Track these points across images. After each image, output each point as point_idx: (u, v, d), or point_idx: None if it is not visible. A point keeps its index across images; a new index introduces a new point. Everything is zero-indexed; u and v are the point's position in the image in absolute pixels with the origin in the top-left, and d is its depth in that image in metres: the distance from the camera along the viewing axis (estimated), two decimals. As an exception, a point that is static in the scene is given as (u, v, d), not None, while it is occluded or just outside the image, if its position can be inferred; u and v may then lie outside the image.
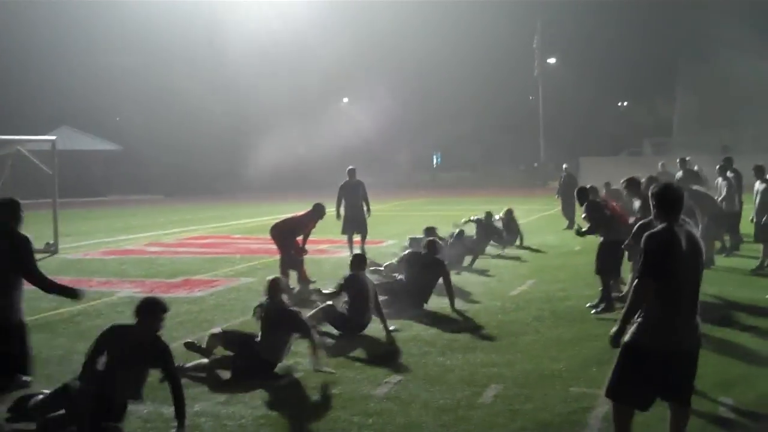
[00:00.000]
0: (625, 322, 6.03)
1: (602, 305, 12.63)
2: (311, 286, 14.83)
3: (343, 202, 19.50)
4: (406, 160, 65.55)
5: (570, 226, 24.81)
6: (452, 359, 9.97)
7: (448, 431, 7.38)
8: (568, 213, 26.15)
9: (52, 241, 21.50)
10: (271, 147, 58.30)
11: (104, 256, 20.85)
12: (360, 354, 10.25)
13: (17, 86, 52.02)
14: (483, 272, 16.89)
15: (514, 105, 67.59)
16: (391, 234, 24.33)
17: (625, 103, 77.93)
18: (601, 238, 13.05)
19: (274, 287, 9.69)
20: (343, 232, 19.60)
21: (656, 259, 5.97)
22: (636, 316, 6.06)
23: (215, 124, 55.77)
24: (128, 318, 12.15)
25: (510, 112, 66.67)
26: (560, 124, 63.71)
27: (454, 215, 25.30)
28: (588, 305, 12.79)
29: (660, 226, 6.14)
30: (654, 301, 5.98)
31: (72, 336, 11.44)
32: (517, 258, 19.23)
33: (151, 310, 7.71)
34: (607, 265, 12.87)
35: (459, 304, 13.31)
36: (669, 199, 6.22)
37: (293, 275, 15.17)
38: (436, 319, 12.27)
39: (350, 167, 20.29)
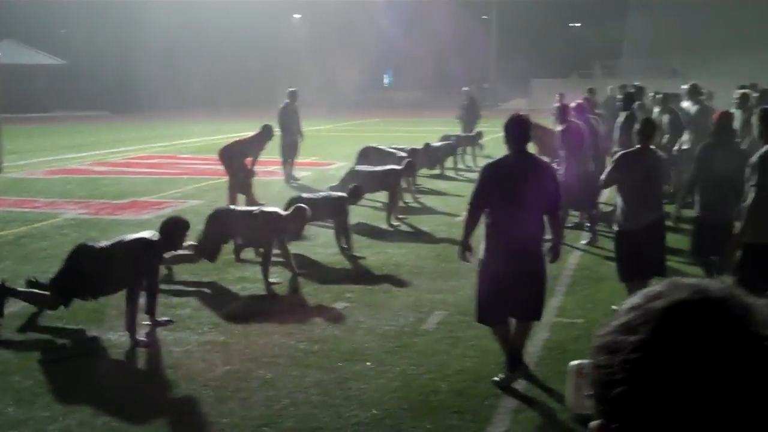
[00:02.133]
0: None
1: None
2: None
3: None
4: (355, 77, 64.96)
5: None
6: (397, 285, 10.12)
7: (391, 357, 7.53)
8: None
9: (-6, 159, 21.14)
10: (217, 62, 57.44)
11: (49, 175, 20.57)
12: (304, 281, 10.34)
13: (-44, -4, 50.52)
14: (428, 194, 17.02)
15: (467, 23, 67.12)
16: (341, 156, 24.28)
17: (577, 25, 77.75)
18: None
19: None
20: (286, 156, 19.31)
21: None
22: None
23: (162, 37, 54.66)
24: (73, 240, 12.22)
25: (462, 32, 66.22)
26: (511, 45, 63.50)
27: (406, 137, 25.31)
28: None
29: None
30: None
31: (17, 259, 11.38)
32: (464, 181, 19.33)
33: (179, 230, 8.24)
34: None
35: (404, 227, 13.47)
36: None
37: (241, 198, 15.17)
38: (383, 244, 12.38)
39: (291, 89, 20.08)
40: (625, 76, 38.93)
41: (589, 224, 12.82)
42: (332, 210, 11.60)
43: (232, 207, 10.56)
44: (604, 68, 57.29)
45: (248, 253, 11.05)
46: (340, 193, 12.15)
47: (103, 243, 8.45)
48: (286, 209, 10.49)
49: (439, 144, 20.40)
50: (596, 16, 69.79)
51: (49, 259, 11.25)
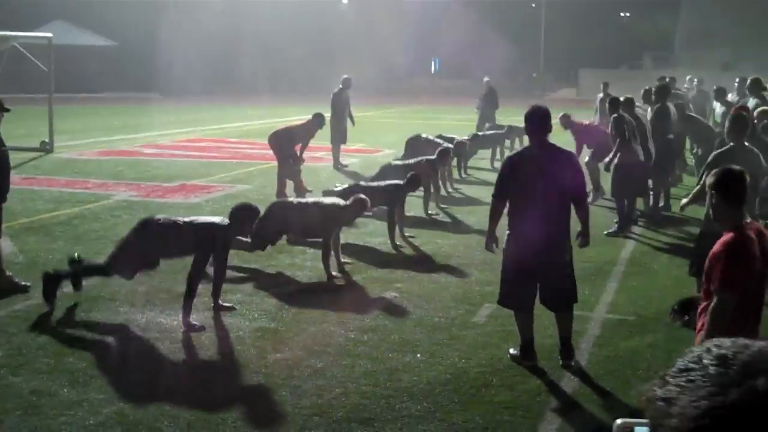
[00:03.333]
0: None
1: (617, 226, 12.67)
2: (307, 195, 14.90)
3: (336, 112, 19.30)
4: (404, 64, 64.77)
5: None
6: (446, 276, 10.09)
7: (442, 349, 7.50)
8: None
9: (47, 140, 21.38)
10: (265, 46, 57.56)
11: (100, 156, 20.77)
12: (354, 270, 10.34)
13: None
14: (475, 184, 16.95)
15: (515, 12, 66.60)
16: (388, 143, 24.24)
17: (626, 14, 76.82)
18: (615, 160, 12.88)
19: None
20: (338, 142, 19.41)
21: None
22: None
23: (211, 21, 54.92)
24: (124, 222, 12.35)
25: (510, 20, 65.74)
26: (559, 34, 62.91)
27: (455, 126, 25.22)
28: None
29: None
30: None
31: (69, 239, 11.51)
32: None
33: (250, 216, 8.38)
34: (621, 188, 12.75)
35: (454, 218, 13.44)
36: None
37: (290, 185, 15.21)
38: (431, 234, 12.35)
39: (345, 76, 20.09)
40: (676, 69, 38.42)
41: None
42: (389, 198, 11.59)
43: (290, 200, 10.50)
44: (655, 60, 56.59)
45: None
46: (397, 181, 12.10)
47: (176, 218, 8.54)
48: (342, 197, 10.49)
49: (488, 133, 20.31)
50: (648, 7, 68.86)
51: (101, 241, 11.40)
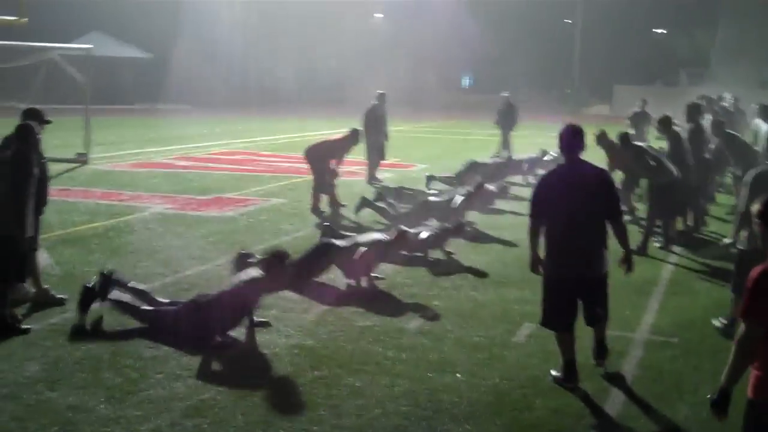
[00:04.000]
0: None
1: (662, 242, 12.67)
2: (341, 210, 14.88)
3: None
4: (434, 80, 64.73)
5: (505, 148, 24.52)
6: (484, 294, 9.95)
7: (482, 370, 7.36)
8: (506, 143, 25.28)
9: (83, 151, 21.48)
10: (298, 59, 57.73)
11: (134, 168, 20.84)
12: (391, 286, 10.22)
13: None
14: (512, 200, 16.79)
15: (549, 28, 66.33)
16: (422, 157, 24.13)
17: (661, 31, 76.31)
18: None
19: None
20: (375, 158, 19.34)
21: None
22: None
23: (246, 33, 55.22)
24: (159, 235, 12.33)
25: (544, 35, 65.49)
26: (593, 50, 62.57)
27: (484, 141, 25.08)
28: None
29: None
30: None
31: (105, 252, 11.49)
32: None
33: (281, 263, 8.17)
34: (658, 208, 12.64)
35: (490, 235, 13.31)
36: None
37: (324, 199, 15.17)
38: (466, 250, 12.21)
39: (380, 91, 20.01)
40: (712, 86, 38.03)
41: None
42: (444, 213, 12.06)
43: (335, 243, 10.30)
44: (690, 76, 56.12)
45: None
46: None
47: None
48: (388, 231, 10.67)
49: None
50: (682, 23, 68.32)
51: (136, 254, 11.39)
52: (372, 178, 19.01)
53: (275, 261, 8.16)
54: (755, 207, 4.50)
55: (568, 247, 6.92)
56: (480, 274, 10.89)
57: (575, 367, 7.10)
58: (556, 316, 7.12)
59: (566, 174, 7.07)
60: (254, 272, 8.10)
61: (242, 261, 9.27)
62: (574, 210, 6.88)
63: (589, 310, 7.13)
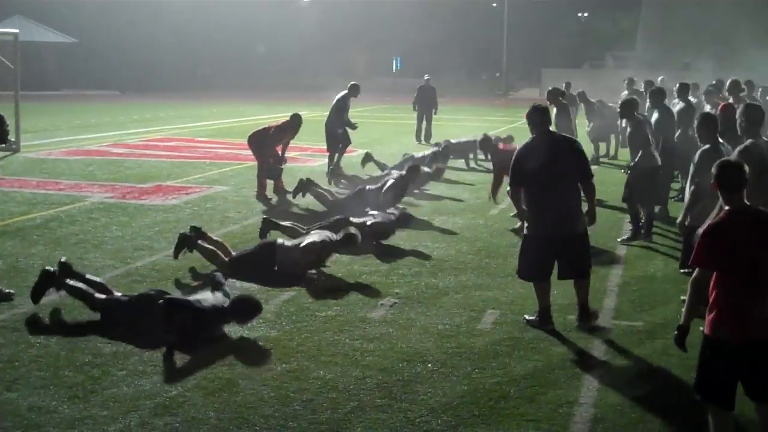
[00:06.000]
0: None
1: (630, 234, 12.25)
2: (287, 197, 14.69)
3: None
4: (365, 63, 64.64)
5: (417, 138, 25.21)
6: (443, 281, 9.85)
7: (453, 359, 7.26)
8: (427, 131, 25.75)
9: (13, 139, 20.78)
10: (226, 45, 57.02)
11: (68, 156, 20.26)
12: (349, 275, 10.07)
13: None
14: (456, 187, 16.76)
15: (478, 13, 66.63)
16: (357, 143, 23.92)
17: (586, 14, 77.23)
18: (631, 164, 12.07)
19: None
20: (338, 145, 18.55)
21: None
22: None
23: (173, 17, 54.28)
24: (104, 225, 11.97)
25: (472, 20, 65.76)
26: (521, 34, 63.04)
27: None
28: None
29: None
30: None
31: (48, 244, 11.10)
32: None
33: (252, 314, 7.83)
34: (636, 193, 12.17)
35: (440, 221, 13.22)
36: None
37: (270, 184, 14.96)
38: (419, 238, 12.09)
39: (353, 83, 18.95)
40: (638, 68, 38.58)
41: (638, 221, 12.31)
42: None
43: (279, 242, 10.02)
44: (616, 59, 56.96)
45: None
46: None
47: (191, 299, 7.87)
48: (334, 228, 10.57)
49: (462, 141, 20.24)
50: (606, 5, 69.24)
51: (81, 245, 11.04)
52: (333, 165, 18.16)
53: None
54: (713, 169, 5.17)
55: (550, 207, 7.88)
56: (436, 261, 10.78)
57: (549, 312, 8.11)
58: (538, 269, 8.10)
59: (542, 144, 8.01)
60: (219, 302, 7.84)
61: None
62: (553, 174, 7.84)
63: (566, 264, 8.08)
